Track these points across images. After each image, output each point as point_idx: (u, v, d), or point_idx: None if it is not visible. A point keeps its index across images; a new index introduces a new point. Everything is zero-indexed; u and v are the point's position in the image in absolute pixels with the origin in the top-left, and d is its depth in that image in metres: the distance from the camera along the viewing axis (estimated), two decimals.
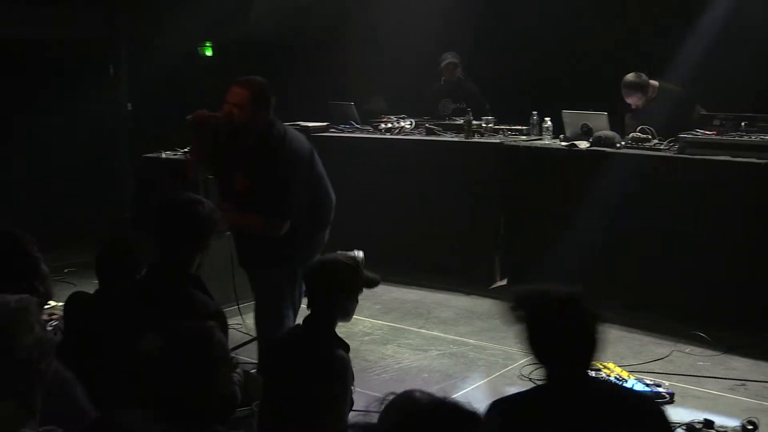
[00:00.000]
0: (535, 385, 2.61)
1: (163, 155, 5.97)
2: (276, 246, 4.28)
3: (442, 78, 7.72)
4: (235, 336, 4.84)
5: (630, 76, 6.31)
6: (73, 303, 3.44)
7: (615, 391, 2.68)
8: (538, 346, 2.39)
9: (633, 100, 6.37)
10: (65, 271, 6.19)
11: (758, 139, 5.30)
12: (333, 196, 4.56)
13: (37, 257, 2.86)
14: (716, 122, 5.59)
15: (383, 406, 1.64)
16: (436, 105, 7.68)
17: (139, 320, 2.92)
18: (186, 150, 5.83)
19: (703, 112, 6.10)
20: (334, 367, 3.06)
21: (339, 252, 3.49)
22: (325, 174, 4.53)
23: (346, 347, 3.20)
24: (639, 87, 6.29)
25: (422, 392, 1.76)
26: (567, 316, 2.35)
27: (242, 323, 5.09)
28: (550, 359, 2.39)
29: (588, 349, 2.37)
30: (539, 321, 2.38)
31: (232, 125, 4.20)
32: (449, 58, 7.62)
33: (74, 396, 2.55)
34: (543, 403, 2.38)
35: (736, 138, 5.38)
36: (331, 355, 3.08)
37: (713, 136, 5.50)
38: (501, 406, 2.41)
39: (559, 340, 2.34)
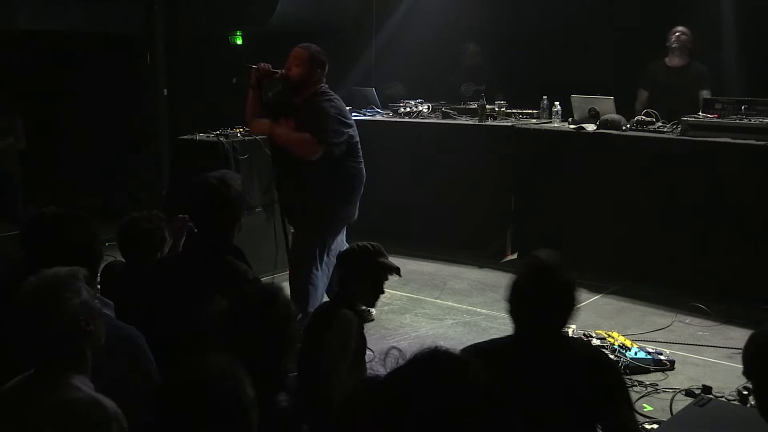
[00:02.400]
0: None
1: (197, 137, 5.99)
2: (311, 212, 4.53)
3: (464, 63, 7.72)
4: None
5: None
6: (108, 274, 3.47)
7: (578, 347, 2.72)
8: (510, 306, 2.48)
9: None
10: (106, 245, 6.24)
11: (758, 121, 5.25)
12: (364, 176, 4.69)
13: (96, 237, 2.90)
14: (718, 106, 5.55)
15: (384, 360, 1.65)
16: (458, 87, 7.67)
17: (184, 288, 2.96)
18: (219, 131, 5.90)
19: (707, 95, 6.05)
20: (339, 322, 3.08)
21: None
22: (361, 154, 4.67)
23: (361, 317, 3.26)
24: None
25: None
26: (536, 284, 2.43)
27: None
28: (518, 319, 2.47)
29: (553, 315, 2.45)
30: (513, 285, 2.47)
31: (288, 80, 4.51)
32: (472, 46, 7.67)
33: (142, 347, 2.60)
34: (508, 353, 2.45)
35: (737, 121, 5.33)
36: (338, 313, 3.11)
37: (715, 119, 5.45)
38: (471, 350, 2.52)
39: (525, 304, 2.43)
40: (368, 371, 3.12)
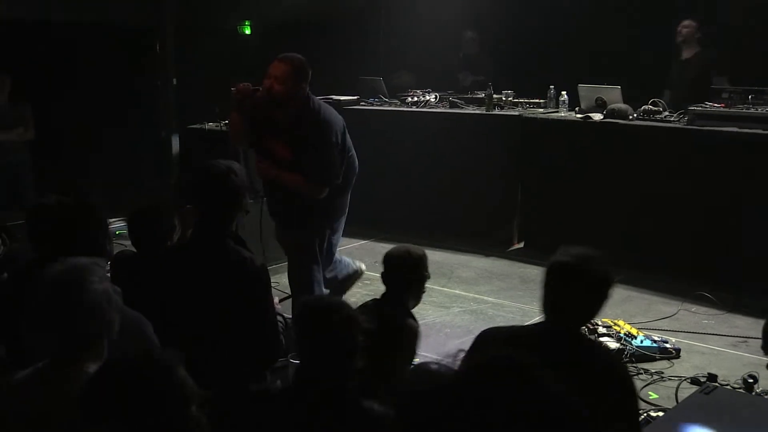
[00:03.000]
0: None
1: (206, 126, 6.00)
2: (303, 210, 4.34)
3: (461, 52, 7.68)
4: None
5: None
6: (119, 262, 3.45)
7: (595, 349, 2.63)
8: (543, 299, 2.41)
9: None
10: (117, 233, 6.27)
11: (765, 111, 5.22)
12: (357, 165, 4.58)
13: (106, 226, 2.90)
14: (725, 95, 5.52)
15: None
16: (455, 76, 7.63)
17: (191, 275, 2.96)
18: (226, 122, 5.87)
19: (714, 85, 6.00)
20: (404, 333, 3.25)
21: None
22: (352, 146, 4.54)
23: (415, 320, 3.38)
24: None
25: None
26: (572, 279, 2.36)
27: (278, 282, 5.14)
28: (549, 313, 2.41)
29: (587, 311, 2.39)
30: (547, 279, 2.41)
31: (271, 99, 4.21)
32: (469, 34, 7.62)
33: (148, 333, 2.62)
34: (527, 341, 2.39)
35: (744, 110, 5.30)
36: (402, 323, 3.26)
37: (721, 109, 5.42)
38: (490, 332, 2.51)
39: (561, 299, 2.37)
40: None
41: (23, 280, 2.74)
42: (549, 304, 2.40)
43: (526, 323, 4.83)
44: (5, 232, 4.32)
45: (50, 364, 2.17)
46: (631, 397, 2.43)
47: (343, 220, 4.63)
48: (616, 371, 2.45)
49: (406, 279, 3.38)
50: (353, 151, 4.55)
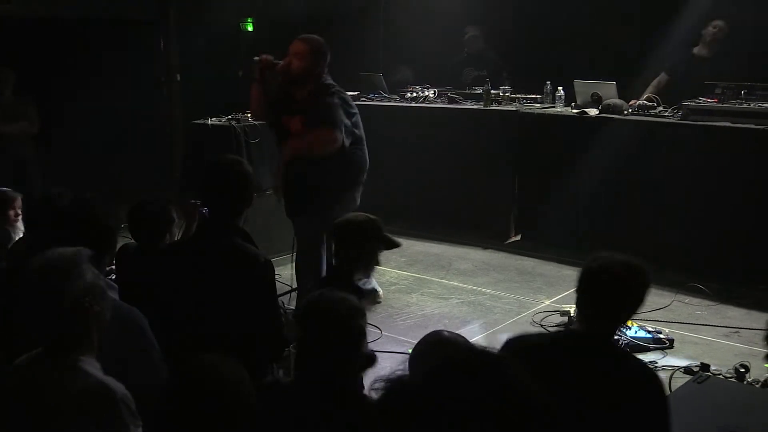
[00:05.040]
0: (546, 331, 2.57)
1: (209, 122, 5.99)
2: (316, 197, 4.45)
3: (465, 49, 7.65)
4: None
5: None
6: (123, 255, 3.47)
7: (626, 357, 2.52)
8: (586, 299, 2.31)
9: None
10: (122, 226, 6.26)
11: (757, 106, 5.21)
12: (367, 159, 4.64)
13: (104, 218, 2.89)
14: (718, 90, 5.50)
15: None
16: (459, 73, 7.62)
17: (196, 270, 2.95)
18: (231, 116, 5.89)
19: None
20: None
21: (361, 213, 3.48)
22: (365, 140, 4.62)
23: (360, 294, 3.12)
24: None
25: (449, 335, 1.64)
26: (623, 281, 2.27)
27: (280, 275, 5.14)
28: (587, 314, 2.31)
29: (624, 314, 2.32)
30: (592, 279, 2.30)
31: (290, 74, 4.39)
32: (471, 31, 7.57)
33: (143, 327, 2.60)
34: (557, 349, 2.30)
35: (736, 105, 5.29)
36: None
37: (715, 104, 5.41)
38: (515, 343, 2.35)
39: (605, 301, 2.27)
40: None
41: (19, 270, 2.73)
42: (584, 309, 2.30)
43: (526, 313, 4.87)
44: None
45: (42, 354, 2.15)
46: (661, 412, 2.26)
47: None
48: (648, 385, 2.29)
49: (354, 249, 3.15)
50: (365, 144, 4.67)
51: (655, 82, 6.38)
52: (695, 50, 6.35)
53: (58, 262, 2.13)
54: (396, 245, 3.32)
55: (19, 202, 4.15)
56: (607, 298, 2.27)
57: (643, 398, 2.24)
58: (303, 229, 4.59)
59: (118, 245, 3.32)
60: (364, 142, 4.67)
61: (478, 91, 6.77)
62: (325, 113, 4.35)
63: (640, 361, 2.57)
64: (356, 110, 4.64)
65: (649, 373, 2.34)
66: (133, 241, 3.64)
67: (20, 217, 4.06)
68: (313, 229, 4.50)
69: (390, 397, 1.20)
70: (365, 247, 3.17)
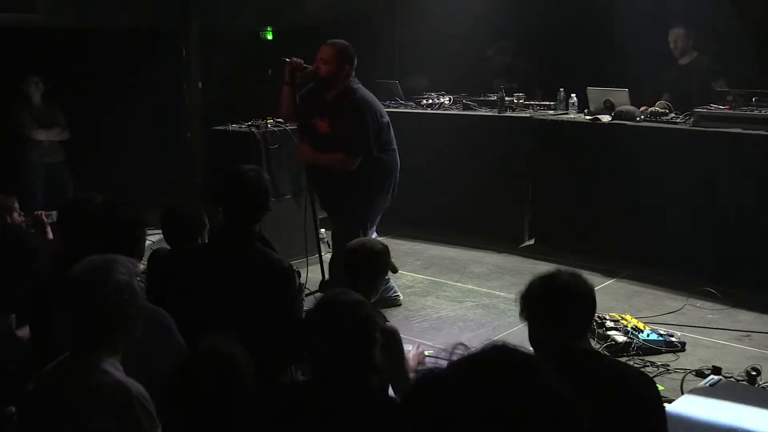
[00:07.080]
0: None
1: (230, 128, 6.05)
2: (348, 201, 4.65)
3: (494, 61, 7.70)
4: None
5: None
6: (155, 259, 3.51)
7: (616, 367, 2.46)
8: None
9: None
10: (147, 232, 6.28)
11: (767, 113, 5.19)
12: (397, 161, 4.79)
13: (130, 223, 2.93)
14: (729, 97, 5.49)
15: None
16: (490, 84, 7.65)
17: (220, 275, 2.99)
18: (251, 122, 5.96)
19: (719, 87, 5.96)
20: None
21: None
22: (395, 144, 4.72)
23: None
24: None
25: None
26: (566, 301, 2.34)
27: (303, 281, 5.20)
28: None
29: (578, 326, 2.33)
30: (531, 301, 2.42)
31: (317, 79, 4.55)
32: (500, 43, 7.66)
33: (170, 327, 2.64)
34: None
35: (748, 112, 5.28)
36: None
37: (726, 111, 5.39)
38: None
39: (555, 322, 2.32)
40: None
41: (60, 275, 2.78)
42: (545, 329, 2.33)
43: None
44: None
45: (68, 358, 2.19)
46: (654, 417, 2.22)
47: (379, 216, 4.95)
48: (640, 391, 2.24)
49: (365, 273, 3.18)
50: (395, 149, 4.81)
51: (663, 100, 6.37)
52: (680, 61, 6.37)
53: (101, 265, 2.18)
54: (395, 270, 3.47)
55: (16, 205, 4.19)
56: (562, 313, 2.31)
57: (635, 406, 2.21)
58: (340, 235, 4.71)
59: (148, 251, 3.36)
60: (394, 144, 4.79)
61: (492, 98, 6.78)
62: (349, 138, 4.52)
63: (634, 370, 2.56)
64: (384, 114, 4.74)
65: (641, 382, 2.32)
66: (163, 246, 3.68)
67: (50, 222, 4.11)
68: (345, 231, 4.61)
69: (416, 396, 1.19)
70: (377, 279, 3.25)
